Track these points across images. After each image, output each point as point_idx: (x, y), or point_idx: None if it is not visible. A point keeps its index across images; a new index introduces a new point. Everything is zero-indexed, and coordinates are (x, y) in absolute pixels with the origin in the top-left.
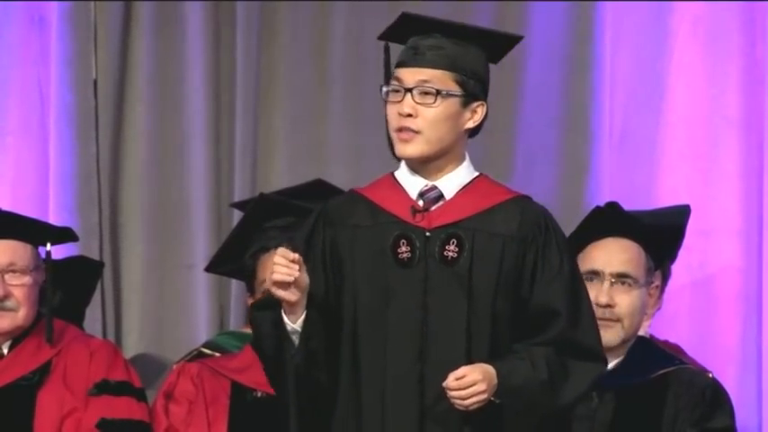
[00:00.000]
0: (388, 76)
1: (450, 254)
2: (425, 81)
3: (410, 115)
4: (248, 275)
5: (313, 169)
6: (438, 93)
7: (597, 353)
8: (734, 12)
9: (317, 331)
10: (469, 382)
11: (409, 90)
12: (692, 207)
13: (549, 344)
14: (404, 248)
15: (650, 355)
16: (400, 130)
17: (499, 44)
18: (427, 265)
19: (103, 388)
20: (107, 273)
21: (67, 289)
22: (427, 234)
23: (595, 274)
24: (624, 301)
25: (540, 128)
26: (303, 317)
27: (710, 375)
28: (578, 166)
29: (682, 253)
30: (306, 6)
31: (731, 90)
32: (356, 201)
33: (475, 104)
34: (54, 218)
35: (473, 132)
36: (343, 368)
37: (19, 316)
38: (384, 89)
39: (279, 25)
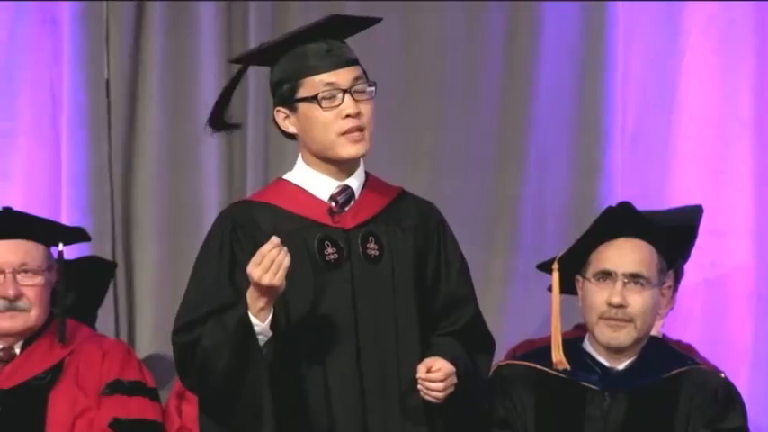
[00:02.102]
0: (228, 93)
1: (372, 252)
2: (358, 78)
3: (359, 114)
4: None
5: None
6: (375, 86)
7: (493, 340)
8: (747, 11)
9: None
10: (448, 373)
11: (346, 91)
12: (704, 207)
13: (463, 330)
14: (330, 250)
15: (663, 355)
16: (350, 131)
17: (355, 29)
18: (352, 264)
19: (116, 388)
20: (120, 273)
21: (80, 289)
22: (346, 234)
23: (608, 275)
24: (637, 301)
25: (553, 128)
26: (271, 316)
27: (723, 375)
28: (591, 166)
29: (694, 253)
30: (318, 6)
31: (744, 90)
32: (261, 209)
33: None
34: (66, 218)
35: None
36: (281, 371)
37: (31, 316)
38: (318, 97)
39: (291, 25)
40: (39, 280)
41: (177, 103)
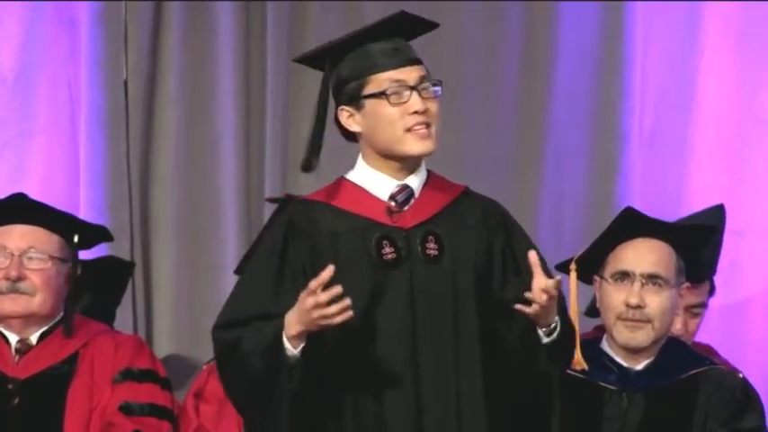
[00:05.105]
0: (325, 92)
1: (432, 251)
2: (424, 77)
3: (426, 111)
4: None
5: (342, 171)
6: (442, 86)
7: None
8: (765, 10)
9: (312, 358)
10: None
11: (413, 88)
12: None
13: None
14: (388, 249)
15: (681, 355)
16: (417, 127)
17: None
18: (412, 264)
19: (127, 375)
20: (137, 273)
21: (98, 289)
22: (405, 233)
23: (625, 275)
24: (654, 302)
25: (571, 127)
26: (303, 344)
27: (741, 376)
28: (608, 166)
29: None
30: (336, 6)
31: (762, 89)
32: (320, 208)
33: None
34: (84, 217)
35: None
36: (332, 373)
37: (34, 301)
38: (387, 92)
39: (309, 25)
40: (46, 266)
41: (195, 104)
